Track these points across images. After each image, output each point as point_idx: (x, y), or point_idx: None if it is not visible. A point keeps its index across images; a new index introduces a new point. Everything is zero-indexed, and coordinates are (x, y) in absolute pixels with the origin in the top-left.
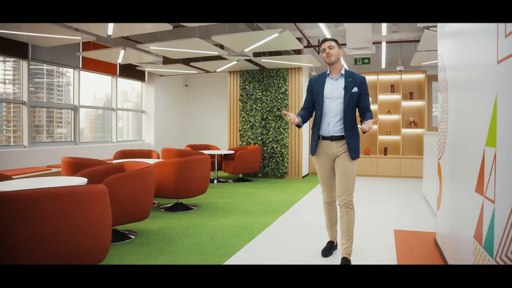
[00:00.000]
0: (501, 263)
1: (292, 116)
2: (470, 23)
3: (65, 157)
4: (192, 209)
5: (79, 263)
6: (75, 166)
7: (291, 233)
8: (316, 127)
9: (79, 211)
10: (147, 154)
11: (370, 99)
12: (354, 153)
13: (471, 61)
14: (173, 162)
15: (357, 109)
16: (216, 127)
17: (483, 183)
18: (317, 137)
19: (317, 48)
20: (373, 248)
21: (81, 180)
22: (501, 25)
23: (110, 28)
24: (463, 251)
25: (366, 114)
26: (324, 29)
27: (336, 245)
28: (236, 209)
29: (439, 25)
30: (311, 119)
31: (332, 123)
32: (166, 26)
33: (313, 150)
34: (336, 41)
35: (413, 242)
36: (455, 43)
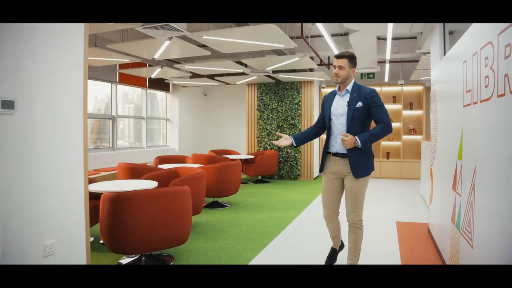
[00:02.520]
0: (463, 234)
1: (282, 140)
2: (450, 77)
3: (121, 163)
4: (226, 206)
5: (171, 245)
6: (130, 170)
7: (314, 224)
8: (326, 144)
9: (174, 206)
10: (182, 159)
11: None
12: (357, 172)
13: (449, 104)
14: (214, 167)
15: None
16: (232, 133)
17: (456, 183)
18: (326, 153)
19: (328, 66)
20: (379, 235)
21: (152, 183)
22: (465, 85)
23: (158, 53)
24: (444, 232)
25: (376, 127)
26: (335, 51)
27: (342, 245)
28: (263, 206)
29: (432, 55)
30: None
31: (339, 140)
32: (205, 52)
33: (321, 167)
34: (349, 58)
35: (411, 231)
36: (441, 86)
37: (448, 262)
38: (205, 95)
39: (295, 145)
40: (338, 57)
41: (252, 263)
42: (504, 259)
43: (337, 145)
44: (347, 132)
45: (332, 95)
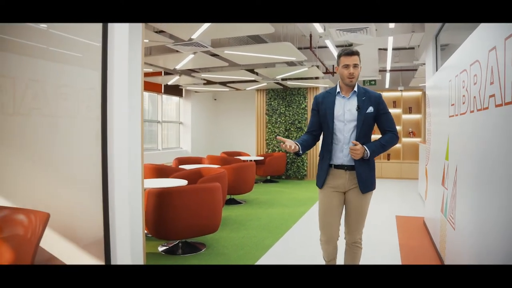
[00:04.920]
0: (448, 220)
1: (289, 143)
2: (440, 90)
3: (147, 164)
4: (242, 203)
5: (204, 233)
6: (156, 170)
7: None
8: (326, 155)
9: (209, 200)
10: (198, 160)
11: None
12: (365, 186)
13: (439, 113)
14: (232, 167)
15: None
16: (240, 135)
17: (444, 180)
18: (327, 167)
19: (333, 73)
20: (381, 227)
21: (183, 181)
22: (450, 99)
23: (181, 65)
24: (436, 221)
25: (385, 136)
26: None
27: None
28: (275, 203)
29: (427, 68)
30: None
31: (347, 150)
32: (223, 63)
33: (321, 182)
34: (359, 54)
35: (409, 224)
36: (433, 95)
37: (438, 246)
38: (215, 99)
39: (301, 152)
40: (350, 54)
41: (272, 249)
42: (476, 237)
43: (343, 156)
44: (357, 140)
45: (330, 95)
